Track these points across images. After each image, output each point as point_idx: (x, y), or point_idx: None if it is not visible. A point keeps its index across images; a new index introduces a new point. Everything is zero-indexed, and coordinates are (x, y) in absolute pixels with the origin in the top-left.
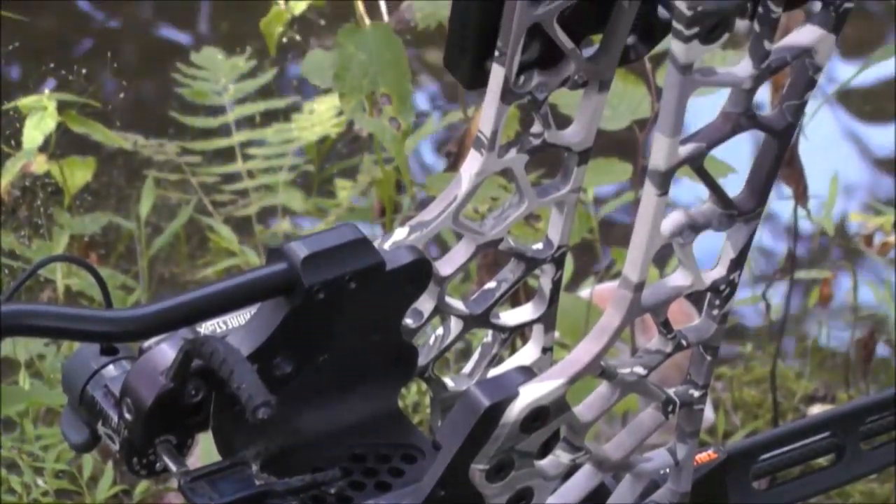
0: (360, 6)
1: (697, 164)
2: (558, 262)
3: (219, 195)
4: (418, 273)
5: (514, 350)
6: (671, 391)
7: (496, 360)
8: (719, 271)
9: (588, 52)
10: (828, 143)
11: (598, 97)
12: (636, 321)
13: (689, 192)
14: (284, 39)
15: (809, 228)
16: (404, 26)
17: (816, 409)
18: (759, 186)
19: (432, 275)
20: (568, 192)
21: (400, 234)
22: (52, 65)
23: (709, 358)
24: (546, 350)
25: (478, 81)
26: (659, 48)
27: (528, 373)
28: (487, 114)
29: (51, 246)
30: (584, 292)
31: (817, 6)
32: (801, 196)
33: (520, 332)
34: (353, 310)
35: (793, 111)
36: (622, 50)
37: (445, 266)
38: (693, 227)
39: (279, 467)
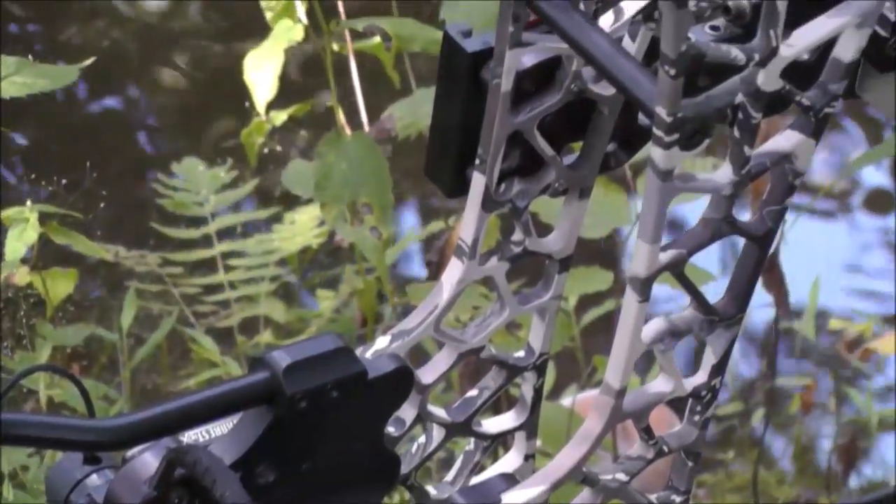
0: (341, 116)
1: (678, 271)
2: (540, 370)
3: (200, 306)
4: (400, 381)
5: (496, 457)
6: (653, 497)
7: (478, 468)
8: (700, 377)
9: (568, 159)
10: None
11: (579, 204)
12: (618, 427)
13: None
14: (266, 150)
15: (791, 334)
16: (385, 136)
17: None
18: (740, 292)
19: (414, 383)
20: (549, 299)
21: (381, 342)
22: (33, 175)
23: (690, 464)
24: (528, 457)
25: (459, 189)
26: (639, 156)
27: (510, 480)
28: (468, 222)
29: (34, 357)
30: (567, 400)
31: (797, 112)
32: (781, 303)
33: (502, 440)
34: (336, 418)
35: (773, 217)
36: (602, 157)
37: (427, 374)
38: (674, 334)
39: None
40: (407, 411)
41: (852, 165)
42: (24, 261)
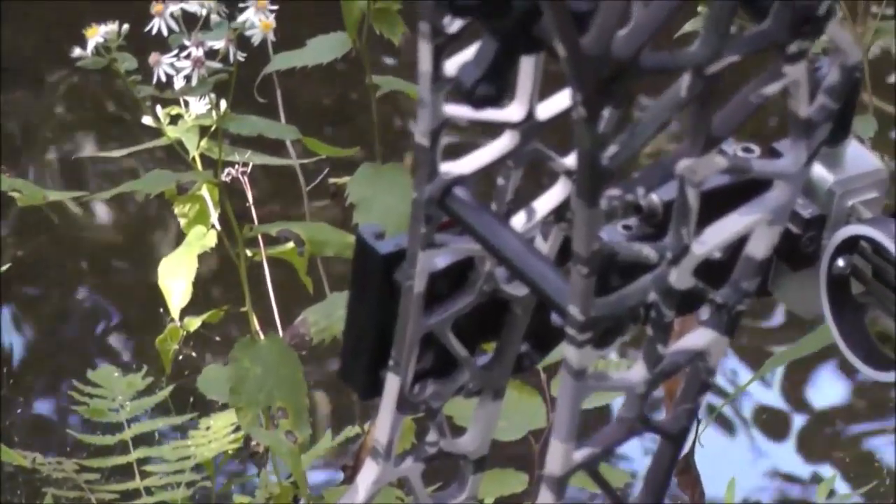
0: (255, 321)
1: (593, 469)
2: None
3: None
4: None
5: None
6: None
7: None
8: None
9: (482, 360)
10: (726, 446)
11: (493, 405)
12: None
13: None
14: (181, 356)
15: None
16: (299, 340)
17: None
18: (656, 488)
19: None
20: (464, 500)
21: None
22: None
23: None
24: None
25: (373, 391)
26: (553, 356)
27: None
28: (383, 423)
29: None
30: None
31: (710, 310)
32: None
33: None
34: None
35: (687, 415)
36: (516, 357)
37: None
38: None
39: None
40: None
41: (769, 364)
42: None
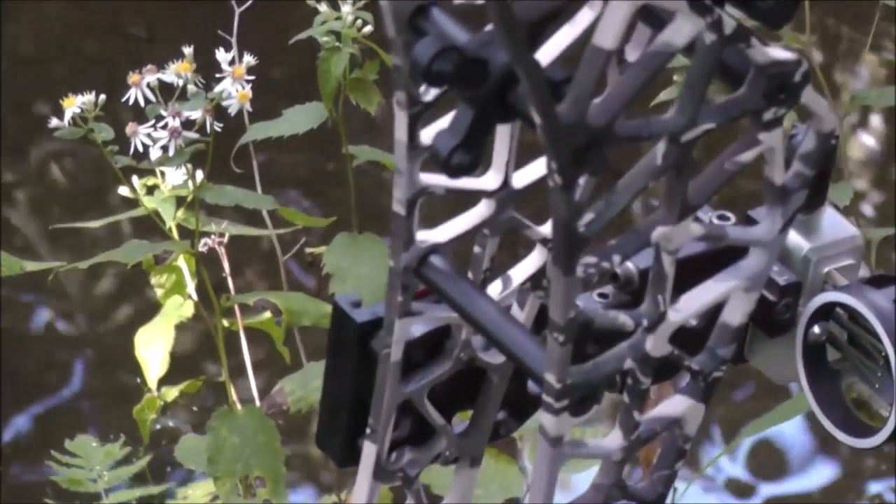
0: (232, 391)
1: None
2: None
3: None
4: None
5: None
6: None
7: None
8: None
9: (459, 427)
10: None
11: (470, 472)
12: None
13: None
14: (158, 426)
15: None
16: (276, 410)
17: None
18: None
19: None
20: None
21: None
22: None
23: None
24: None
25: (350, 459)
26: (529, 424)
27: None
28: (360, 492)
29: None
30: None
31: (686, 377)
32: None
33: None
34: None
35: (664, 481)
36: (493, 425)
37: None
38: None
39: None
40: None
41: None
42: None
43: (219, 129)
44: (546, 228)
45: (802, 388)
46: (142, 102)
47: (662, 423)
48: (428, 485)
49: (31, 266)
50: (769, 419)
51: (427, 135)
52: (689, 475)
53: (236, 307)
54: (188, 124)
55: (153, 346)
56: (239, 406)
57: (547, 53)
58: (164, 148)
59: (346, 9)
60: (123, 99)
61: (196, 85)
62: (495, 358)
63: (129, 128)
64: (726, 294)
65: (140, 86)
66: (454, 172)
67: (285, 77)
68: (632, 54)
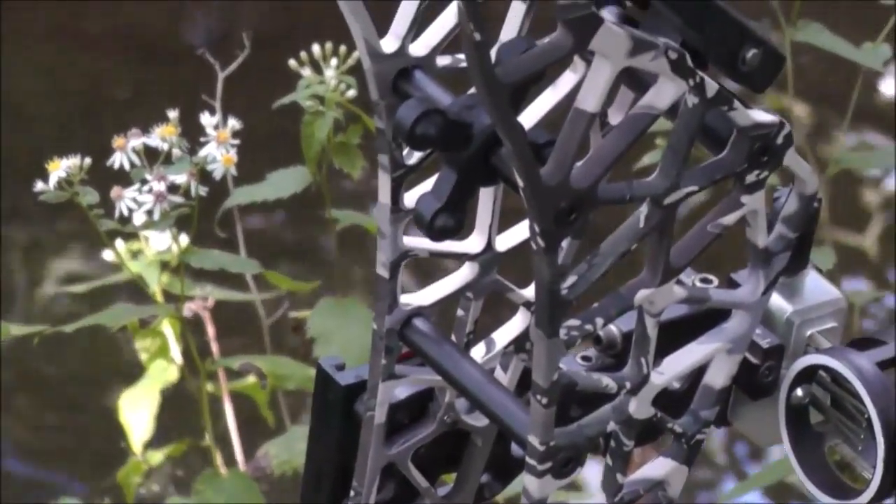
0: (217, 454)
1: None
2: None
3: None
4: None
5: None
6: None
7: None
8: None
9: (443, 490)
10: None
11: None
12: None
13: None
14: (143, 490)
15: None
16: (261, 473)
17: None
18: None
19: None
20: None
21: None
22: None
23: None
24: None
25: None
26: (513, 487)
27: None
28: None
29: None
30: None
31: (669, 439)
32: None
33: None
34: None
35: None
36: (477, 488)
37: None
38: None
39: None
40: None
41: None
42: None
43: (204, 194)
44: (529, 291)
45: (786, 451)
46: (127, 166)
47: (646, 485)
48: None
49: (16, 330)
50: (750, 482)
51: (410, 198)
52: None
53: (221, 371)
54: (173, 188)
55: (138, 410)
56: (224, 470)
57: (530, 116)
58: (150, 212)
59: (330, 73)
60: (108, 162)
61: (181, 149)
62: (479, 420)
63: (115, 192)
64: (709, 356)
65: (125, 150)
66: (438, 235)
67: (269, 139)
68: (615, 117)
